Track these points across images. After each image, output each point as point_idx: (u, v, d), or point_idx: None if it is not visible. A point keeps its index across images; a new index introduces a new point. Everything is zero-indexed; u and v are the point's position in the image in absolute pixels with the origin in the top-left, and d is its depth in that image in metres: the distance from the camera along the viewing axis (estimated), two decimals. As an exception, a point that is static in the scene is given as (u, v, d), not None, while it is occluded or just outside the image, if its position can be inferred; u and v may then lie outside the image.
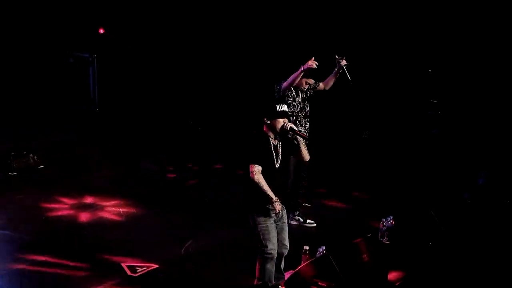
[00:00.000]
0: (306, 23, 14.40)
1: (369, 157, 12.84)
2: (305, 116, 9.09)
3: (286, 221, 7.19)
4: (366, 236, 8.34)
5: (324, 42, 14.13)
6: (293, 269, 7.21)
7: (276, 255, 7.02)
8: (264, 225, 6.93)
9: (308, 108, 9.14)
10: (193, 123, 14.86)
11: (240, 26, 15.19)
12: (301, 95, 9.05)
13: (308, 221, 9.35)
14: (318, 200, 10.35)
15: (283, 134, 6.96)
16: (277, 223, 7.05)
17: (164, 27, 15.87)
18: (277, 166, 6.97)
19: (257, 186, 6.81)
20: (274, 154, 6.94)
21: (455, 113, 13.46)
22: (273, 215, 6.96)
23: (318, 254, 7.47)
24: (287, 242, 7.19)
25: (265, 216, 6.93)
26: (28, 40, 16.36)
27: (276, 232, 7.01)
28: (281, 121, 6.92)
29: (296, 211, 9.28)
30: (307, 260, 7.40)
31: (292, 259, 7.44)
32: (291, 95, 8.98)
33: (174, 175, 11.59)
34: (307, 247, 7.63)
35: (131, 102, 16.12)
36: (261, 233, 6.95)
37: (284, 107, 7.00)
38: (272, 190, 6.82)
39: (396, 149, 12.94)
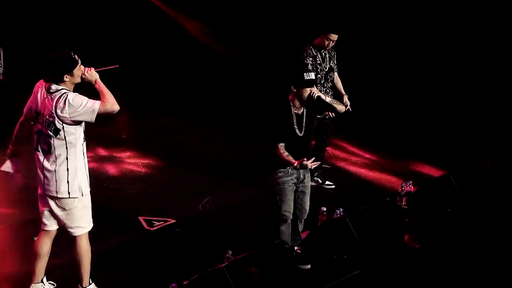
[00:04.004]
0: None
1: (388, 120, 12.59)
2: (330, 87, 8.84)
3: (309, 184, 7.17)
4: (384, 199, 8.32)
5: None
6: (310, 230, 7.21)
7: (290, 218, 7.00)
8: (282, 186, 6.91)
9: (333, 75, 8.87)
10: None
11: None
12: (327, 59, 8.80)
13: (327, 182, 9.33)
14: (338, 162, 10.30)
15: (309, 103, 6.89)
16: (298, 186, 7.02)
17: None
18: (300, 134, 6.91)
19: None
20: (296, 124, 6.88)
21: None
22: (293, 177, 6.92)
23: (335, 216, 7.46)
24: (307, 206, 7.17)
25: (284, 177, 6.90)
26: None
27: (292, 195, 6.98)
28: (308, 90, 6.83)
29: (315, 172, 9.24)
30: (324, 221, 7.39)
31: (310, 220, 7.44)
32: (317, 58, 8.73)
33: (195, 132, 11.54)
34: (324, 208, 7.64)
35: (156, 56, 16.06)
36: (277, 193, 6.94)
37: (312, 75, 6.90)
38: (295, 158, 6.77)
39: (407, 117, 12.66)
